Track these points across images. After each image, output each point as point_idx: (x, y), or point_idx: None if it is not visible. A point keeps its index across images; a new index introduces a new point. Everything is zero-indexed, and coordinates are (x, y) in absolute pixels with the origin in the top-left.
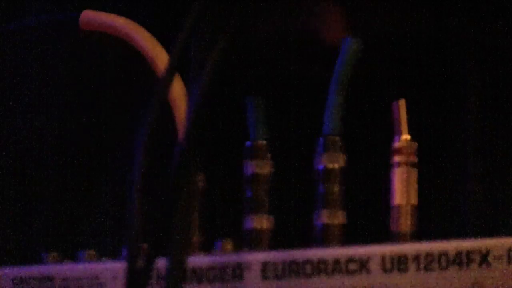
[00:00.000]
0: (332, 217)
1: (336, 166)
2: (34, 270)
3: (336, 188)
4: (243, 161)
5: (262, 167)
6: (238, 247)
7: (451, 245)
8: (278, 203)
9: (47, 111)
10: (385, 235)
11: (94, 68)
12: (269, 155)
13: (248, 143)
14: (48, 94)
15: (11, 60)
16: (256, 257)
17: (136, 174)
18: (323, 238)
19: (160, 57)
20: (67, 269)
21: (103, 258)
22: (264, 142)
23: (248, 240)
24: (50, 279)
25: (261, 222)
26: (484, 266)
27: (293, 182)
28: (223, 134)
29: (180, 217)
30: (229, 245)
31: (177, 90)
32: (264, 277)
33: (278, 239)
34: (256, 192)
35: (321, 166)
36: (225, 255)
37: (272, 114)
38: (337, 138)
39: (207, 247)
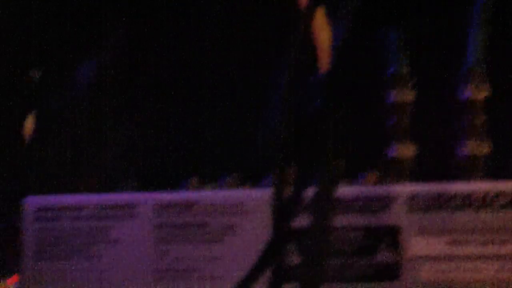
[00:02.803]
0: (476, 148)
1: (481, 96)
2: (175, 196)
3: (481, 119)
4: (385, 90)
5: (404, 96)
6: (383, 178)
7: None
8: (421, 132)
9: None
10: None
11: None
12: (410, 84)
13: (390, 71)
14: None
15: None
16: (403, 190)
17: (284, 101)
18: (466, 169)
19: None
20: (209, 195)
21: (246, 185)
22: (406, 70)
23: (391, 168)
24: (190, 205)
25: (404, 150)
26: None
27: (436, 111)
28: (365, 63)
29: (330, 146)
30: (374, 177)
31: (320, 20)
32: (410, 210)
33: (421, 168)
34: (398, 120)
35: (465, 96)
36: (371, 187)
37: (415, 43)
38: (481, 69)
39: (352, 178)
